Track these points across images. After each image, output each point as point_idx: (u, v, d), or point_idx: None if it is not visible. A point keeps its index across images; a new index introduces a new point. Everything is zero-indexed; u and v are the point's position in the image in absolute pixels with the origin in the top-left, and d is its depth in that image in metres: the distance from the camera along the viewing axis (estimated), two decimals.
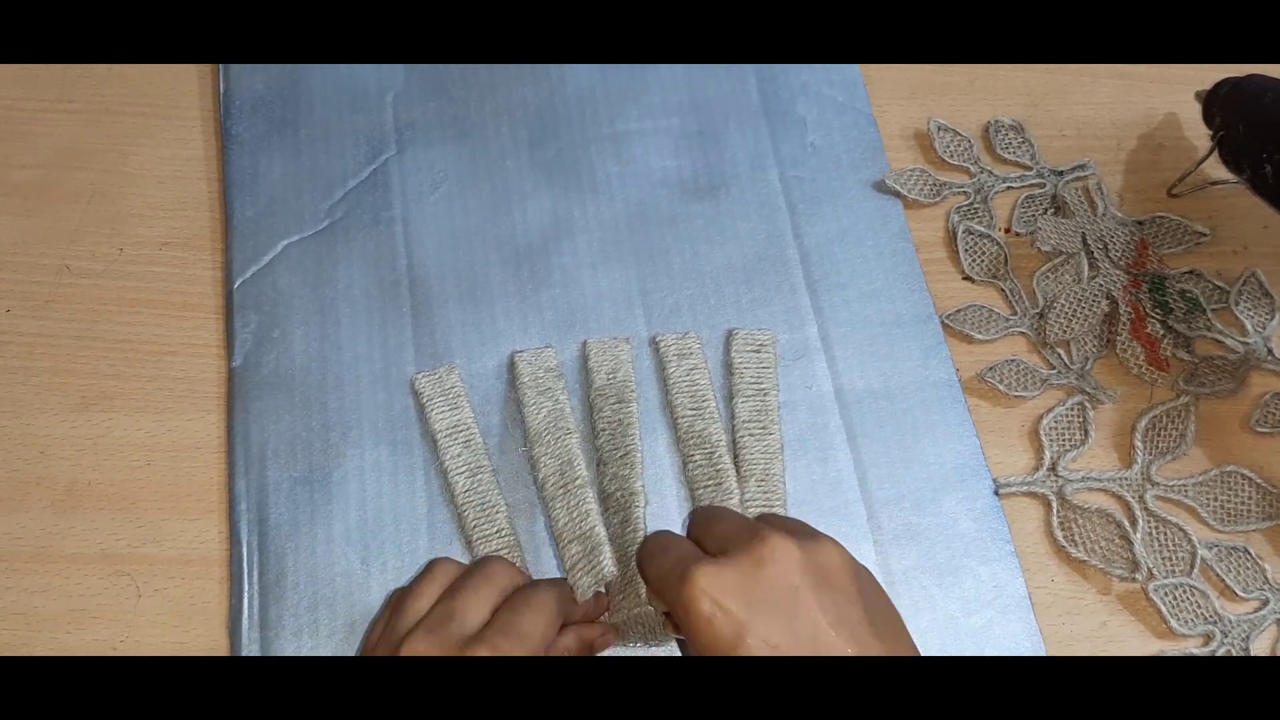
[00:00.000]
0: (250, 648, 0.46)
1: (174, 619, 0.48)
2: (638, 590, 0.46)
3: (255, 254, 0.54)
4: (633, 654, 0.46)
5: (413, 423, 0.51)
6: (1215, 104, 0.56)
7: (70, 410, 0.52)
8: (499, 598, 0.42)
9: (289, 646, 0.46)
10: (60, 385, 0.52)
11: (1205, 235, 0.57)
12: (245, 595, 0.47)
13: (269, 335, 0.53)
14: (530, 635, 0.40)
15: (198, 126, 0.59)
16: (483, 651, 0.39)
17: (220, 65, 0.59)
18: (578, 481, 0.48)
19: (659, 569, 0.40)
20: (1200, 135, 0.58)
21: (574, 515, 0.47)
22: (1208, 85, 0.57)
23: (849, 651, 0.37)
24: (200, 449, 0.51)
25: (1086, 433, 0.52)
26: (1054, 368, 0.54)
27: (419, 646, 0.39)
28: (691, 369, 0.51)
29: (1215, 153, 0.56)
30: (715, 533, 0.41)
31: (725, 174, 0.58)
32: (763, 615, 0.37)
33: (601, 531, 0.47)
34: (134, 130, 0.59)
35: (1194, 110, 0.57)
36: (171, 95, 0.60)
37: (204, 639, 0.47)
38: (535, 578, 0.47)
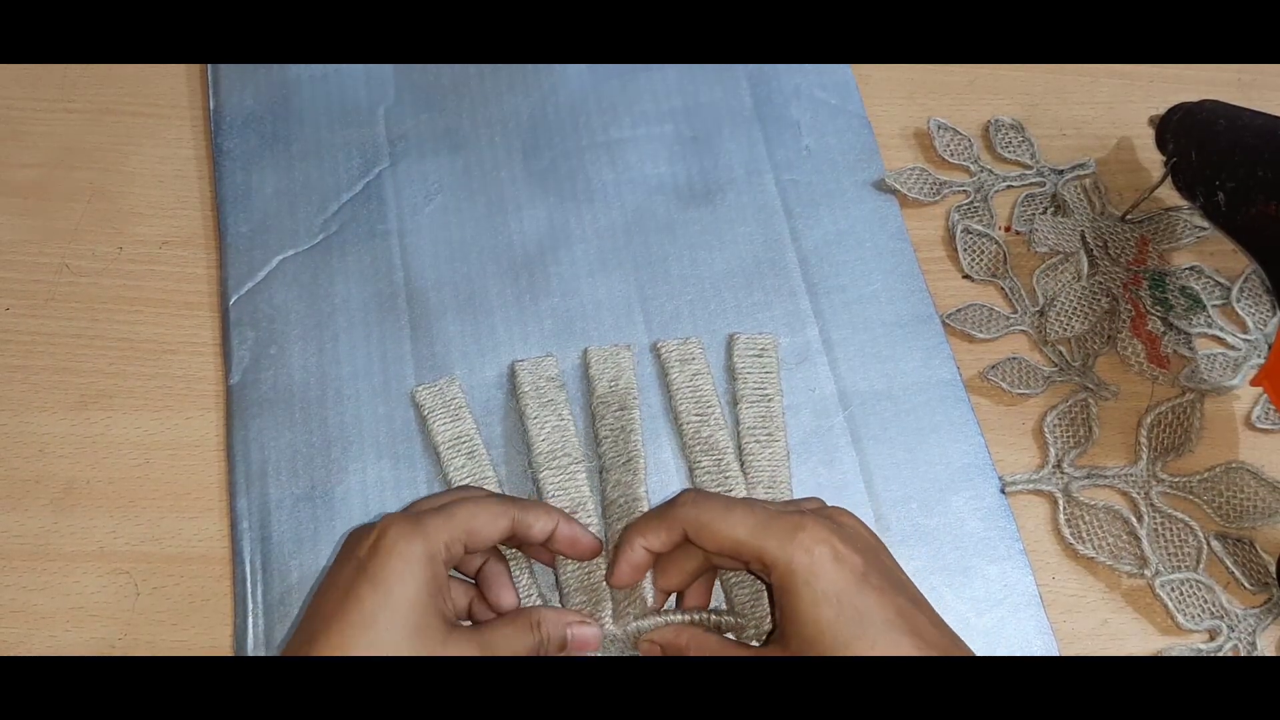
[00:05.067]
0: None
1: (173, 617, 0.47)
2: (644, 600, 0.45)
3: (250, 270, 0.54)
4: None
5: (414, 436, 0.50)
6: (1168, 130, 0.55)
7: (69, 408, 0.52)
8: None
9: None
10: (59, 384, 0.52)
11: (1205, 230, 0.57)
12: (250, 615, 0.47)
13: (266, 352, 0.52)
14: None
15: (199, 126, 0.59)
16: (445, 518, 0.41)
17: (209, 82, 0.59)
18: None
19: (754, 521, 0.41)
20: None
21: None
22: (1161, 110, 0.56)
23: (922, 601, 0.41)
24: (199, 447, 0.51)
25: (1090, 429, 0.52)
26: (1056, 365, 0.54)
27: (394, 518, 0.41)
28: (695, 374, 0.51)
29: (1169, 179, 0.55)
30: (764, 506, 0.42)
31: (721, 179, 0.57)
32: (868, 561, 0.40)
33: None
34: (134, 130, 0.59)
35: None
36: (171, 95, 0.60)
37: (203, 636, 0.47)
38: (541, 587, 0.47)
